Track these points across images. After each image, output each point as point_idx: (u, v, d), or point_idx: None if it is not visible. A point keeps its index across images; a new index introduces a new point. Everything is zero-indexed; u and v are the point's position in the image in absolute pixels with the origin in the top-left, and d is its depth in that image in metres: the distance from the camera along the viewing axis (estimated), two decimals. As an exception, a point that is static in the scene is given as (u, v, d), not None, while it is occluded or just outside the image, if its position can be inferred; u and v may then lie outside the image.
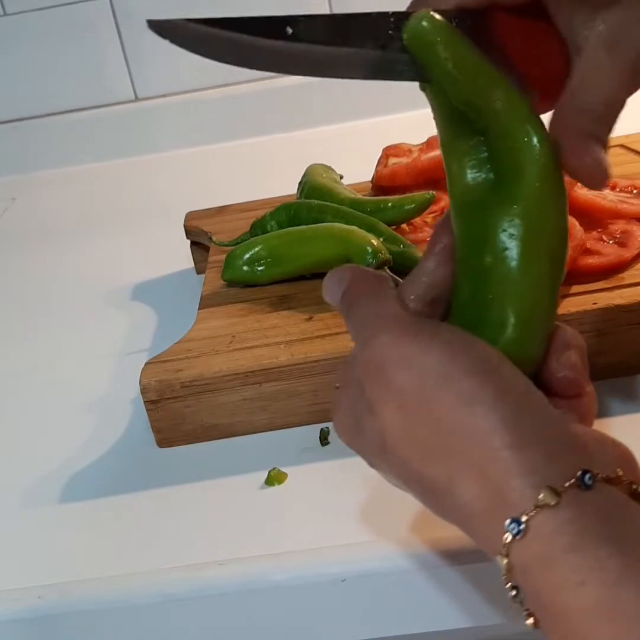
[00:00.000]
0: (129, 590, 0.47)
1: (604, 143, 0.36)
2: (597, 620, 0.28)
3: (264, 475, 0.52)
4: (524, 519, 0.30)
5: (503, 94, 0.36)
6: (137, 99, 1.16)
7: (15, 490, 0.56)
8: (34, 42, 1.13)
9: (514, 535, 0.30)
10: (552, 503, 0.30)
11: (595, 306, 0.54)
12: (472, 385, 0.33)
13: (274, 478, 0.52)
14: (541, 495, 0.30)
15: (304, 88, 1.12)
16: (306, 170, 0.76)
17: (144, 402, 0.56)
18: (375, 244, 0.62)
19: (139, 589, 0.47)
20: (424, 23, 0.36)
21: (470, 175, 0.38)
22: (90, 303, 0.80)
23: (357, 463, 0.53)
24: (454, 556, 0.45)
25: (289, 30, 0.36)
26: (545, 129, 0.37)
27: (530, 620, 0.31)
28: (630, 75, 0.35)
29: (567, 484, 0.31)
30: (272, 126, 1.12)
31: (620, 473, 0.32)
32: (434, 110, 0.38)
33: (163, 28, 0.35)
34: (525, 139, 0.36)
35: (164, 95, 1.15)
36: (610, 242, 0.60)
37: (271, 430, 0.57)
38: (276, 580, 0.47)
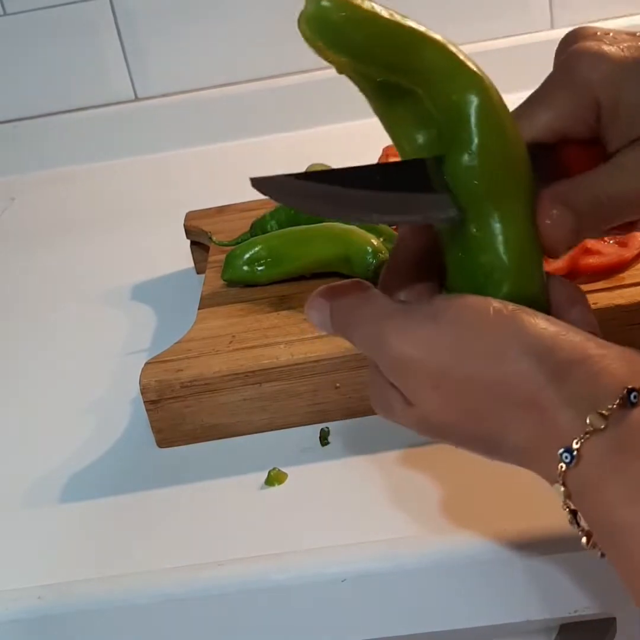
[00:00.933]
0: (129, 590, 0.47)
1: (578, 229, 0.38)
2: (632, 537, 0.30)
3: (264, 475, 0.52)
4: (575, 446, 0.31)
5: (427, 49, 0.36)
6: (137, 99, 1.16)
7: (15, 490, 0.56)
8: (34, 42, 1.13)
9: (568, 464, 0.32)
10: (601, 427, 0.31)
11: (595, 306, 0.54)
12: (496, 338, 0.34)
13: (274, 478, 0.52)
14: (589, 421, 0.31)
15: (304, 88, 1.12)
16: (306, 170, 0.76)
17: (144, 402, 0.56)
18: (375, 244, 0.62)
19: (139, 589, 0.47)
20: (323, 3, 0.34)
21: (418, 139, 0.38)
22: (90, 303, 0.80)
23: (357, 463, 0.53)
24: (454, 556, 0.45)
25: (378, 178, 0.37)
26: (477, 70, 0.37)
27: (586, 540, 0.33)
28: None
29: (612, 406, 0.31)
30: (272, 126, 1.12)
31: None
32: (360, 87, 0.38)
33: (265, 185, 0.36)
34: (460, 88, 0.36)
35: (164, 95, 1.15)
36: (611, 242, 0.60)
37: (271, 430, 0.57)
38: (276, 580, 0.47)
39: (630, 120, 0.38)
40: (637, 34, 0.40)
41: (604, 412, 0.31)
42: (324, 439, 0.55)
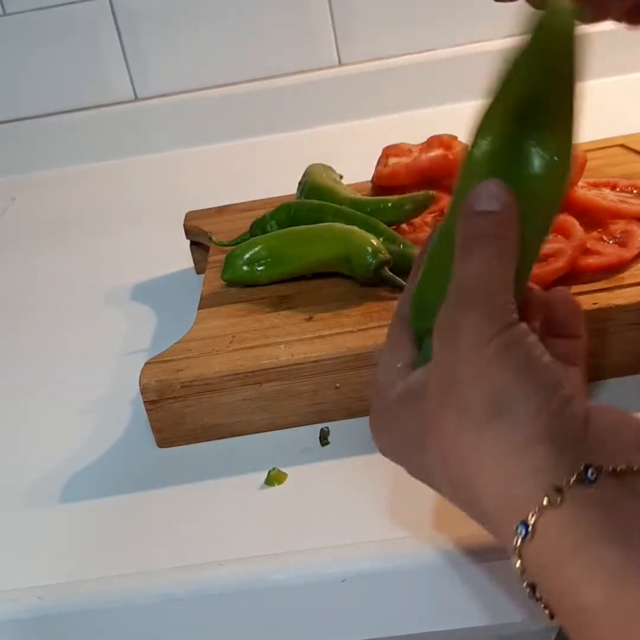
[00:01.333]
0: (129, 590, 0.47)
1: None
2: (605, 618, 0.29)
3: (264, 475, 0.52)
4: (531, 521, 0.31)
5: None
6: (137, 98, 1.16)
7: (15, 490, 0.56)
8: (34, 42, 1.13)
9: (523, 538, 0.31)
10: (557, 502, 0.30)
11: (595, 306, 0.54)
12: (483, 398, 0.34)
13: (274, 478, 0.52)
14: (545, 496, 0.31)
15: (304, 88, 1.12)
16: (306, 170, 0.76)
17: (144, 402, 0.56)
18: (375, 244, 0.62)
19: (139, 589, 0.47)
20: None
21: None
22: (90, 303, 0.80)
23: (357, 463, 0.53)
24: (454, 556, 0.45)
25: None
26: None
27: (548, 614, 0.31)
28: None
29: (570, 481, 0.31)
30: (272, 126, 1.12)
31: (634, 464, 0.32)
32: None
33: None
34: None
35: (164, 95, 1.15)
36: (611, 242, 0.60)
37: (271, 430, 0.57)
38: (276, 580, 0.47)
39: None
40: None
41: (562, 487, 0.31)
42: (324, 439, 0.55)
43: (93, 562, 0.49)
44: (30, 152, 1.16)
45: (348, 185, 0.76)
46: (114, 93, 1.15)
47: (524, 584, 0.31)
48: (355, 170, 0.78)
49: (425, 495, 0.49)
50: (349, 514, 0.49)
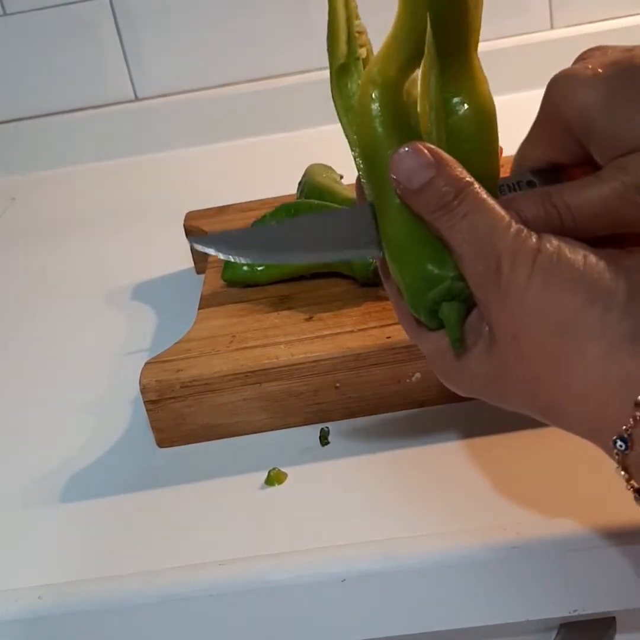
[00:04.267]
0: (129, 590, 0.47)
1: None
2: None
3: (264, 475, 0.52)
4: (626, 434, 0.32)
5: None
6: (137, 99, 1.16)
7: (15, 490, 0.56)
8: (34, 42, 1.13)
9: (623, 451, 0.32)
10: None
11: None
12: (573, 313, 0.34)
13: (274, 478, 0.52)
14: (636, 405, 0.32)
15: (304, 88, 1.12)
16: (306, 170, 0.76)
17: (144, 402, 0.56)
18: (375, 244, 0.62)
19: (139, 589, 0.47)
20: None
21: None
22: (90, 303, 0.80)
23: (357, 463, 0.53)
24: (454, 556, 0.45)
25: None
26: None
27: None
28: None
29: None
30: (272, 126, 1.12)
31: None
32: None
33: (204, 242, 0.43)
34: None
35: (164, 95, 1.15)
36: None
37: (271, 430, 0.57)
38: (276, 580, 0.47)
39: (603, 142, 0.37)
40: (633, 49, 0.38)
41: None
42: (324, 439, 0.55)
43: (93, 562, 0.49)
44: (30, 152, 1.16)
45: (348, 185, 0.76)
46: (114, 93, 1.15)
47: (630, 490, 0.33)
48: (355, 170, 0.78)
49: (425, 495, 0.49)
50: (349, 514, 0.49)
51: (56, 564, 0.50)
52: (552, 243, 0.35)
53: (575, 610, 0.46)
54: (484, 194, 0.36)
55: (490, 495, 0.48)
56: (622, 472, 0.32)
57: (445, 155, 0.37)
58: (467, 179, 0.37)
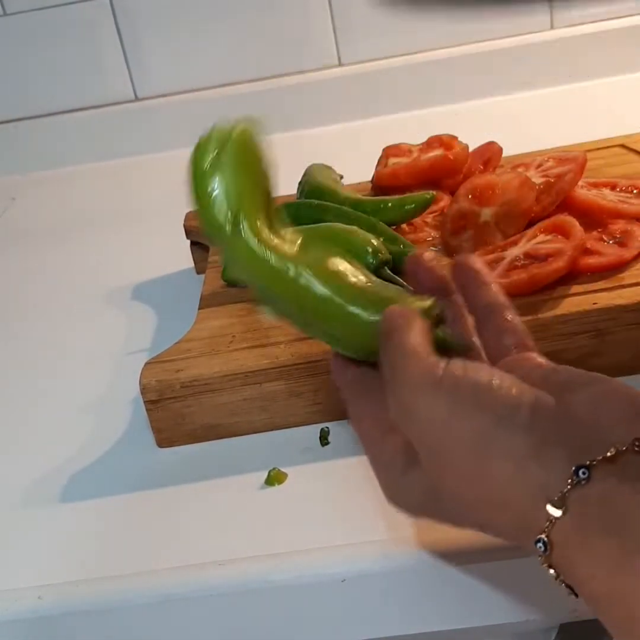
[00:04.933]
0: (129, 590, 0.47)
1: None
2: (610, 608, 0.31)
3: (264, 475, 0.52)
4: (544, 537, 0.33)
5: None
6: (137, 99, 1.16)
7: (15, 490, 0.56)
8: (34, 42, 1.13)
9: (543, 553, 0.33)
10: (560, 514, 0.32)
11: (595, 306, 0.54)
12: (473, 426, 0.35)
13: (274, 478, 0.52)
14: (549, 511, 0.32)
15: (304, 88, 1.12)
16: (306, 170, 0.76)
17: (144, 402, 0.56)
18: (375, 244, 0.62)
19: (139, 589, 0.47)
20: None
21: None
22: (90, 303, 0.80)
23: (357, 463, 0.53)
24: (454, 556, 0.45)
25: None
26: None
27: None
28: None
29: (565, 490, 0.32)
30: (273, 126, 1.12)
31: (622, 443, 0.32)
32: None
33: None
34: None
35: (164, 95, 1.15)
36: (610, 242, 0.60)
37: (271, 430, 0.57)
38: (276, 580, 0.47)
39: None
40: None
41: (560, 496, 0.32)
42: (324, 439, 0.55)
43: (93, 562, 0.49)
44: (30, 152, 1.16)
45: (348, 185, 0.76)
46: (114, 93, 1.15)
47: (562, 585, 0.33)
48: (355, 170, 0.78)
49: (425, 495, 0.49)
50: (349, 514, 0.49)
51: (56, 564, 0.50)
52: (457, 365, 0.36)
53: (575, 611, 0.46)
54: (407, 329, 0.38)
55: (490, 495, 0.48)
56: (551, 571, 0.33)
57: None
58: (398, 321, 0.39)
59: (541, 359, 0.39)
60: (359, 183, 0.78)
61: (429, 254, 0.45)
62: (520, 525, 0.34)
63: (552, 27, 1.09)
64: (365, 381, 0.42)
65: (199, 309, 0.64)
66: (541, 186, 0.64)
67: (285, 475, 0.52)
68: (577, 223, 0.59)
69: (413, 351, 0.37)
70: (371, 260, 0.61)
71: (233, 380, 0.55)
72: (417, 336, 0.38)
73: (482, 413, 0.34)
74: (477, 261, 0.44)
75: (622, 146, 0.77)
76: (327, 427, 0.56)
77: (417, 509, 0.39)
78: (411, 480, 0.38)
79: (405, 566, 0.46)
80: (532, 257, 0.58)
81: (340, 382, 0.43)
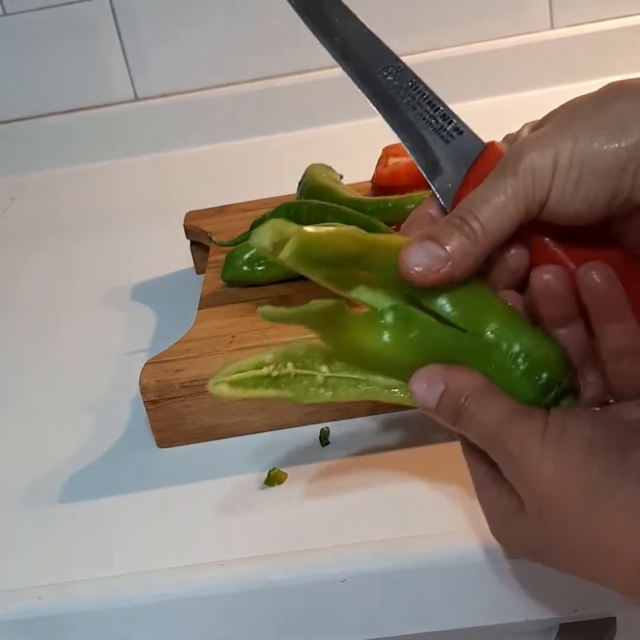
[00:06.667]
0: (129, 590, 0.47)
1: None
2: None
3: (264, 475, 0.52)
4: None
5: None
6: (137, 99, 1.16)
7: (15, 490, 0.56)
8: (34, 42, 1.13)
9: None
10: None
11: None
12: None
13: (274, 478, 0.52)
14: None
15: (304, 88, 1.12)
16: (306, 170, 0.76)
17: (144, 402, 0.56)
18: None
19: (139, 589, 0.47)
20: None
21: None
22: (90, 303, 0.80)
23: (357, 463, 0.53)
24: (454, 556, 0.46)
25: None
26: None
27: None
28: None
29: None
30: (272, 126, 1.12)
31: None
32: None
33: None
34: None
35: (164, 95, 1.15)
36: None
37: (271, 430, 0.57)
38: (276, 580, 0.47)
39: None
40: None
41: None
42: (324, 439, 0.55)
43: (93, 562, 0.49)
44: (30, 152, 1.16)
45: (348, 185, 0.76)
46: (114, 93, 1.15)
47: None
48: (355, 170, 0.78)
49: (425, 496, 0.49)
50: (349, 514, 0.49)
51: (56, 564, 0.50)
52: (558, 417, 0.35)
53: (575, 611, 0.46)
54: (484, 390, 0.37)
55: (490, 495, 0.48)
56: None
57: (451, 369, 0.38)
58: (468, 386, 0.37)
59: None
60: (359, 183, 0.78)
61: (556, 271, 0.39)
62: (636, 576, 0.34)
63: (552, 27, 1.09)
64: None
65: (199, 309, 0.64)
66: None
67: (285, 475, 0.52)
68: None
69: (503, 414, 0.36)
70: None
71: (233, 380, 0.55)
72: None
73: (589, 466, 0.34)
74: (613, 277, 0.38)
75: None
76: (327, 427, 0.56)
77: (525, 554, 0.38)
78: (518, 529, 0.37)
79: (405, 566, 0.46)
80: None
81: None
